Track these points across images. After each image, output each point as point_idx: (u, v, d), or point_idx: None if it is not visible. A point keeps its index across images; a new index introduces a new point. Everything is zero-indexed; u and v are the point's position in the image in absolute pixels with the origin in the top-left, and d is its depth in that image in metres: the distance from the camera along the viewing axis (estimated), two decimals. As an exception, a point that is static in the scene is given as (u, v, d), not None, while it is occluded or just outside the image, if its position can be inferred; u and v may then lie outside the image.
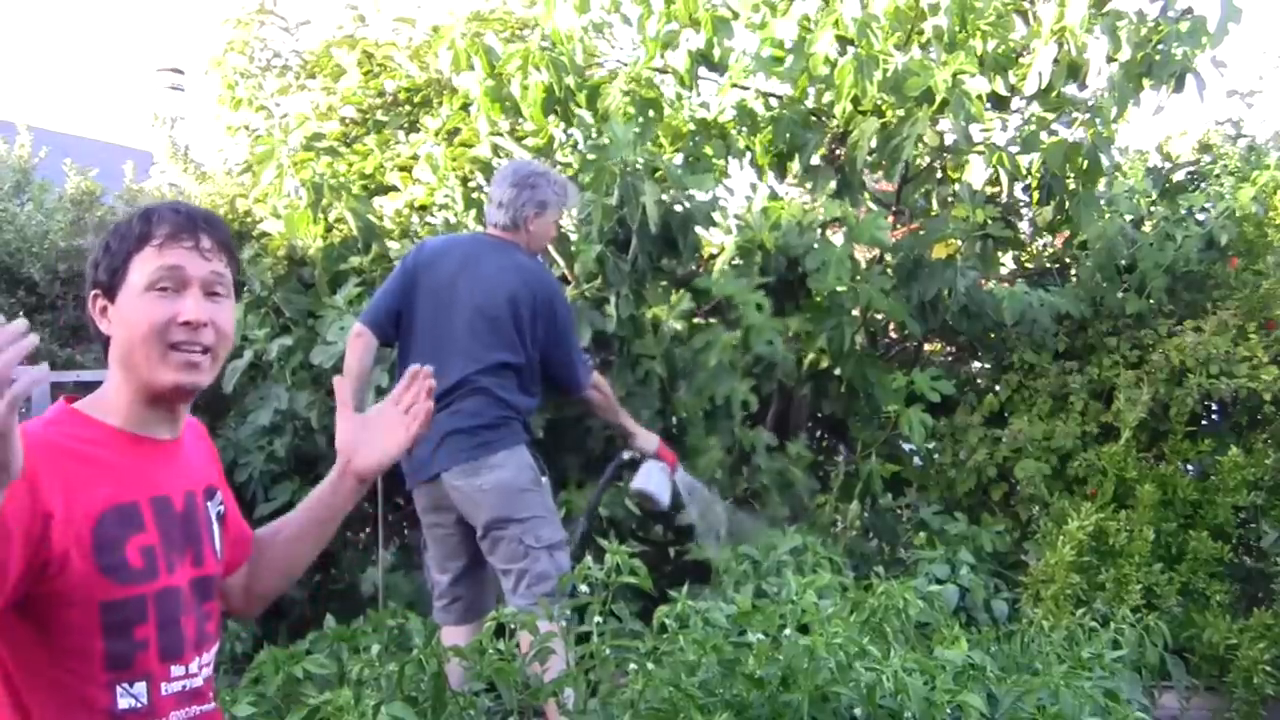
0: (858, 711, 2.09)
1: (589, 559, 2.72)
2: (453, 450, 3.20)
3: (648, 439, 3.66)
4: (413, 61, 4.93)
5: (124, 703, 1.41)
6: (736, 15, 4.44)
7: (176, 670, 1.46)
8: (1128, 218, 4.64)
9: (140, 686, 1.42)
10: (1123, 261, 4.56)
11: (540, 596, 2.98)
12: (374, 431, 1.71)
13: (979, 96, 3.99)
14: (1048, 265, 5.12)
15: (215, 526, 1.59)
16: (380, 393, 3.62)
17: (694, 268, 4.61)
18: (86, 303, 1.50)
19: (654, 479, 3.63)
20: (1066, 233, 4.93)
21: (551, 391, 3.57)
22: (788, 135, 4.40)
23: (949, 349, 5.24)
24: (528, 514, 3.20)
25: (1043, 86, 4.26)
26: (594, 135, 4.24)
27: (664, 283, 4.40)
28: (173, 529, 1.48)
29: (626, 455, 3.74)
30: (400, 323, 3.34)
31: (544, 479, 3.32)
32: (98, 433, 1.45)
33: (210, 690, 1.55)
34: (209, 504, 1.59)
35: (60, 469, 1.36)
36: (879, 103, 4.25)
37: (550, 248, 3.94)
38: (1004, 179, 4.52)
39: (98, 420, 1.46)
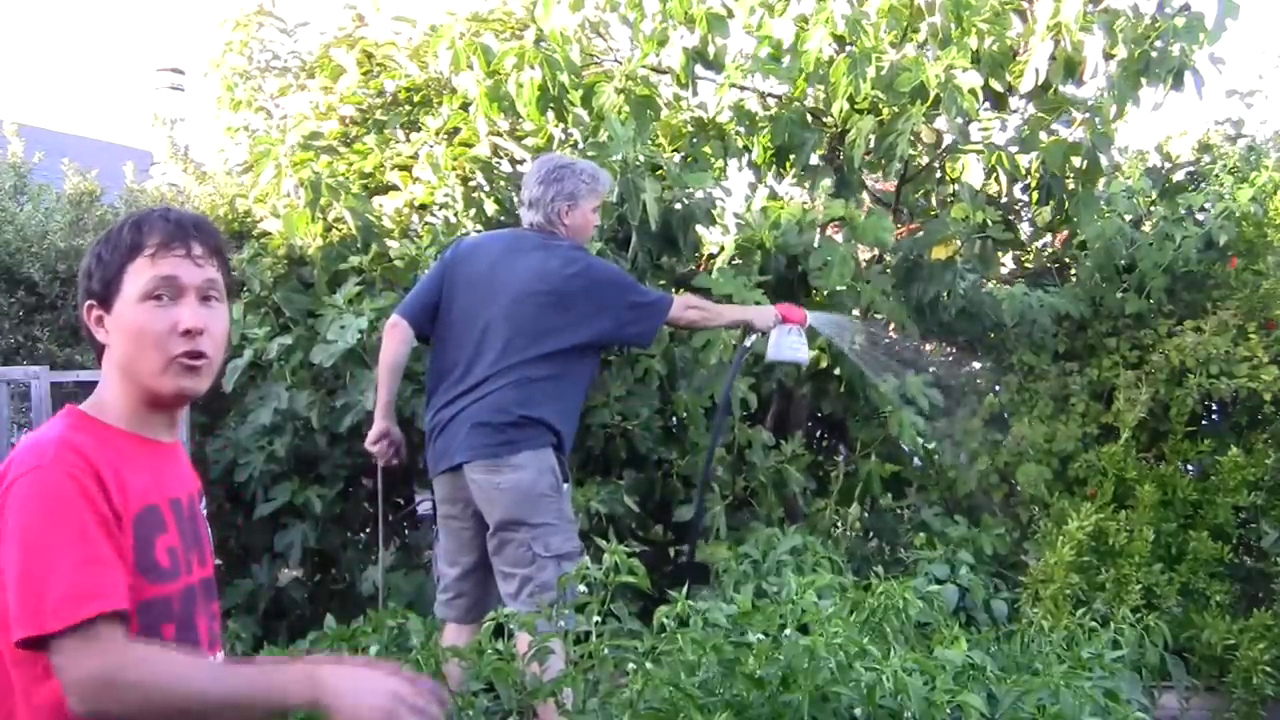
0: (858, 711, 2.08)
1: (588, 559, 2.72)
2: (477, 442, 3.16)
3: (762, 316, 3.60)
4: (412, 61, 4.92)
5: None
6: (732, 14, 4.44)
7: None
8: (1127, 217, 4.63)
9: None
10: (1122, 261, 4.56)
11: (542, 606, 2.96)
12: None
13: (971, 91, 3.98)
14: (1047, 265, 5.12)
15: (208, 528, 1.62)
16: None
17: (693, 266, 4.61)
18: (80, 310, 1.51)
19: (785, 347, 3.59)
20: (1066, 233, 4.93)
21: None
22: (786, 135, 4.40)
23: (949, 349, 5.24)
24: (541, 520, 3.14)
25: (1039, 84, 4.26)
26: (592, 134, 4.24)
27: (663, 280, 4.40)
28: (186, 529, 1.51)
29: (748, 342, 3.73)
30: (437, 316, 3.32)
31: (565, 485, 3.25)
32: (114, 437, 1.47)
33: None
34: (200, 507, 1.62)
35: (110, 472, 1.39)
36: (875, 101, 4.25)
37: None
38: (1003, 179, 4.52)
39: (109, 425, 1.48)
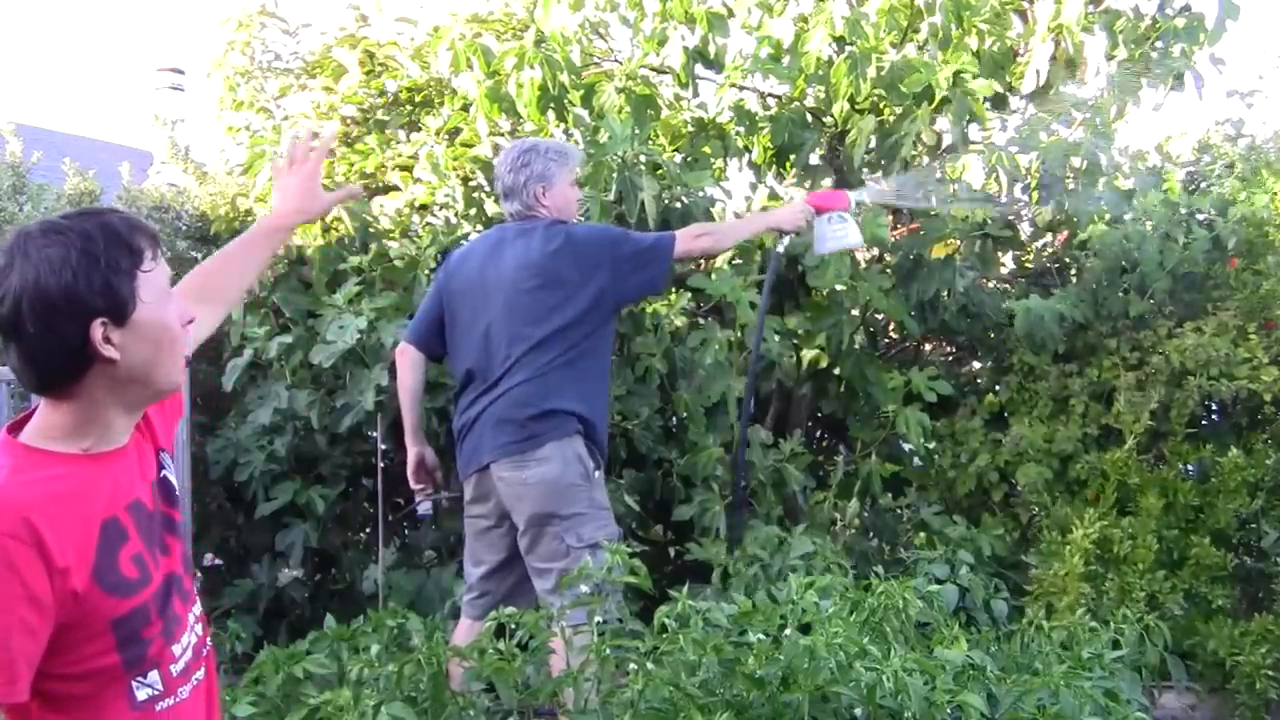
0: (858, 711, 2.09)
1: (589, 559, 2.72)
2: (501, 440, 3.16)
3: (789, 216, 3.53)
4: (414, 61, 4.92)
5: (142, 694, 1.46)
6: (732, 13, 4.44)
7: (177, 648, 1.51)
8: (1127, 217, 4.61)
9: (154, 675, 1.47)
10: (1124, 263, 4.54)
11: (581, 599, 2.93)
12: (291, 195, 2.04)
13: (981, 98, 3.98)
14: (1047, 265, 5.11)
15: (174, 482, 1.59)
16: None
17: (693, 266, 4.61)
18: (65, 338, 1.37)
19: (830, 237, 3.49)
20: (1066, 233, 4.93)
21: None
22: (786, 135, 4.40)
23: (949, 349, 5.24)
24: (572, 511, 3.12)
25: (1040, 85, 4.26)
26: (592, 134, 4.24)
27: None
28: (148, 525, 1.49)
29: (782, 248, 3.65)
30: (444, 332, 3.34)
31: (597, 473, 3.23)
32: (64, 466, 1.40)
33: (207, 637, 1.60)
34: (165, 472, 1.57)
35: (54, 517, 1.35)
36: (876, 101, 4.24)
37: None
38: (1003, 179, 4.52)
39: (57, 452, 1.41)
